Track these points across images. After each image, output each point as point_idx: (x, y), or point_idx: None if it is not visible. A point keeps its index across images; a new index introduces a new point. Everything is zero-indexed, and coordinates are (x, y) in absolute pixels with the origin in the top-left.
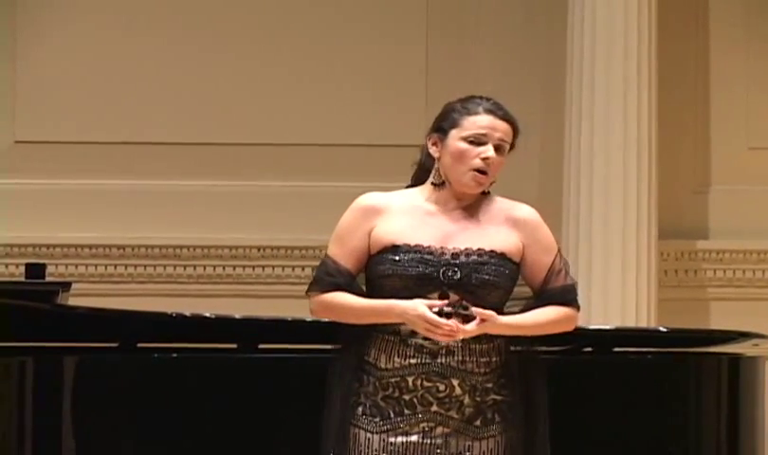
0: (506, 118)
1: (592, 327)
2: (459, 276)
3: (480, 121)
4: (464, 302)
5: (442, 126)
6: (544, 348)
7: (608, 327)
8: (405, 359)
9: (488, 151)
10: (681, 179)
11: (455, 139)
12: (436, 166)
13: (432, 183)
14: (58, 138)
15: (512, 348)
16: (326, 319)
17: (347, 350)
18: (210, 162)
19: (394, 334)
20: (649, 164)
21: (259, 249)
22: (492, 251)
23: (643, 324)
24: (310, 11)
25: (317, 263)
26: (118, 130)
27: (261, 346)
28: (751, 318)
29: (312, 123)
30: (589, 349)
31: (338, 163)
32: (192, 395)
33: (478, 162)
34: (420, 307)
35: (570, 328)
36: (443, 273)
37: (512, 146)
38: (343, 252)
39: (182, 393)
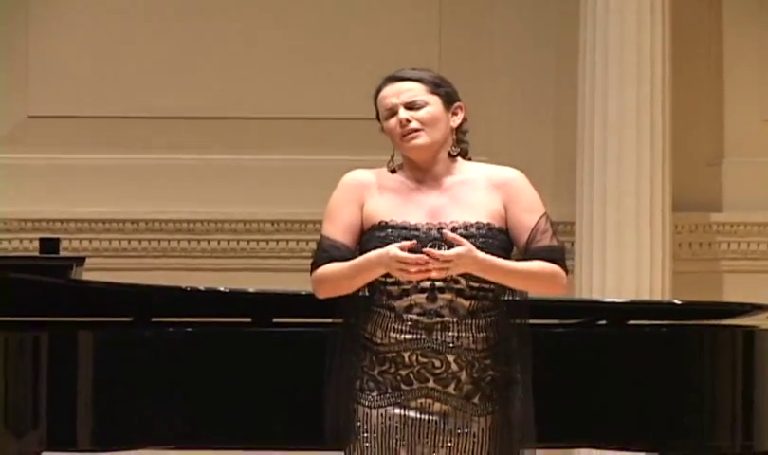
0: (405, 76)
1: (606, 300)
2: (446, 250)
3: (384, 97)
4: (443, 230)
5: (378, 119)
6: (557, 321)
7: (622, 300)
8: (401, 334)
9: (400, 114)
10: (695, 151)
11: (383, 123)
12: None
13: (391, 165)
14: (71, 113)
15: (510, 322)
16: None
17: (344, 324)
18: (223, 136)
19: (390, 309)
20: (662, 136)
21: (273, 223)
22: (479, 223)
23: (657, 297)
24: None
25: None
26: (131, 104)
27: (275, 320)
28: (765, 291)
29: (328, 97)
30: (603, 322)
31: (352, 136)
32: (207, 369)
33: (400, 129)
34: (392, 249)
35: (557, 288)
36: (431, 247)
37: (444, 94)
38: (336, 228)
39: (197, 367)
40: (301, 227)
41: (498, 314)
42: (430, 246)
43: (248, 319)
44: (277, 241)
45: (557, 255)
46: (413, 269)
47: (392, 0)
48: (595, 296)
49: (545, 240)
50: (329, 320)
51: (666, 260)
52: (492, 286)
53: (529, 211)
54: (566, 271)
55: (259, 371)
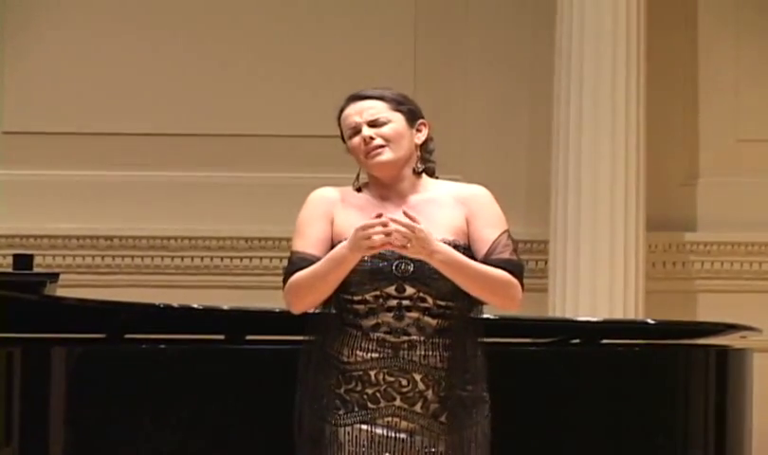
0: (366, 95)
1: (580, 319)
2: (412, 268)
3: (347, 116)
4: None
5: (343, 139)
6: (530, 340)
7: (596, 319)
8: (367, 353)
9: (363, 132)
10: (669, 171)
11: (347, 142)
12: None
13: (358, 188)
14: (45, 129)
15: (478, 340)
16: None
17: (312, 343)
18: (197, 153)
19: (357, 328)
20: (637, 155)
21: (246, 240)
22: (444, 239)
23: (631, 316)
24: (307, 10)
25: None
26: (104, 121)
27: (248, 337)
28: (738, 311)
29: (300, 115)
30: (577, 341)
31: (325, 155)
32: (180, 386)
33: (364, 147)
34: (357, 231)
35: (511, 301)
36: (396, 266)
37: (407, 111)
38: (306, 242)
39: (170, 384)
40: (275, 245)
41: (464, 333)
42: (396, 265)
43: (222, 337)
44: (251, 258)
45: (515, 269)
46: (377, 237)
47: (367, 21)
48: (569, 315)
49: (505, 254)
50: (301, 338)
51: (639, 279)
52: (458, 304)
53: (491, 226)
54: (522, 288)
55: (232, 388)
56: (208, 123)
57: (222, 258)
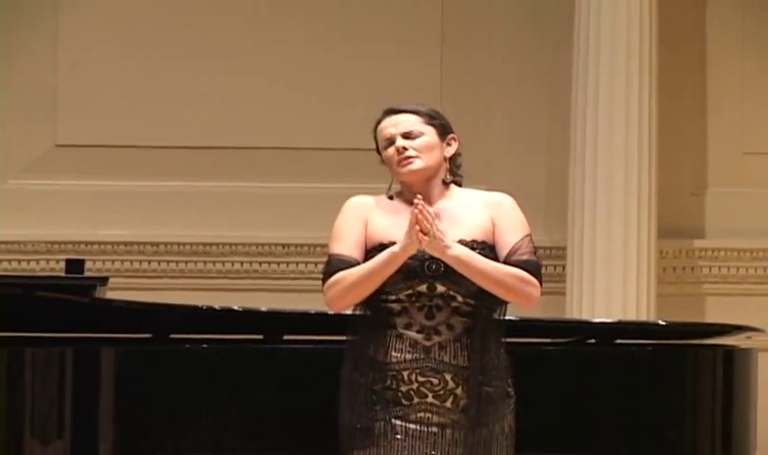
0: (401, 109)
1: (595, 320)
2: (442, 268)
3: (383, 128)
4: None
5: (378, 151)
6: (549, 340)
7: (610, 320)
8: (401, 354)
9: (397, 142)
10: (679, 182)
11: (382, 152)
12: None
13: (390, 196)
14: (96, 142)
15: (502, 340)
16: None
17: (352, 342)
18: (237, 165)
19: (391, 327)
20: (649, 167)
21: (283, 246)
22: (473, 240)
23: (643, 318)
24: (332, 25)
25: None
26: (151, 135)
27: (285, 337)
28: (744, 313)
29: (332, 129)
30: (592, 341)
31: (355, 166)
32: (222, 383)
33: (397, 157)
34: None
35: (528, 298)
36: (427, 266)
37: (439, 125)
38: (344, 245)
39: (212, 381)
40: (310, 251)
41: (489, 333)
42: (428, 265)
43: (260, 337)
44: (287, 263)
45: (533, 269)
46: (416, 220)
47: (396, 37)
48: (585, 316)
49: (525, 255)
50: (336, 338)
51: (651, 283)
52: (483, 303)
53: (514, 231)
54: (540, 287)
55: (269, 384)
56: (249, 137)
57: (260, 263)
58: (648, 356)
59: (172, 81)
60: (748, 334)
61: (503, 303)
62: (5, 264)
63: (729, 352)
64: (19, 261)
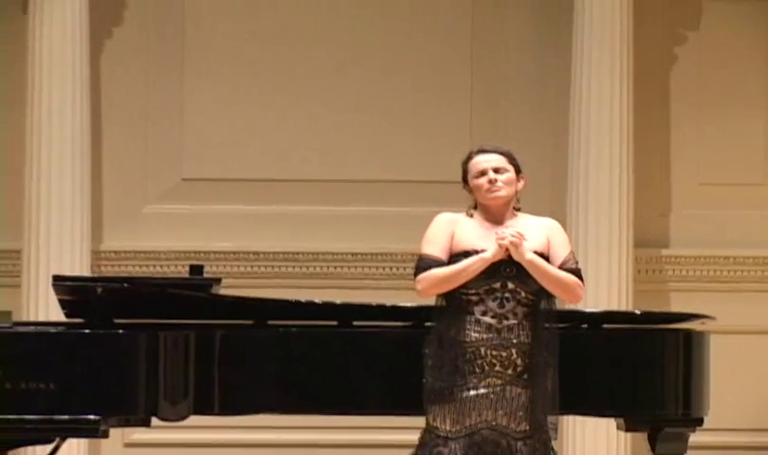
0: (493, 150)
1: (587, 310)
2: (515, 270)
3: (477, 162)
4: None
5: (465, 178)
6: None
7: (598, 310)
8: (479, 334)
9: (489, 174)
10: (650, 206)
11: (471, 180)
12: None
13: (470, 212)
14: (213, 176)
15: (545, 325)
16: (406, 304)
17: (436, 327)
18: (320, 192)
19: (470, 313)
20: (627, 195)
21: (353, 255)
22: (535, 251)
23: (624, 308)
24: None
25: (396, 264)
26: (254, 170)
27: (354, 323)
28: (700, 304)
29: (397, 164)
30: (585, 326)
31: (407, 194)
32: (307, 358)
33: (486, 184)
34: (492, 249)
35: (575, 294)
36: (503, 268)
37: (516, 165)
38: (435, 249)
39: (300, 356)
40: (372, 258)
41: (542, 318)
42: (504, 268)
43: (335, 322)
44: (355, 267)
45: (578, 274)
46: (503, 235)
47: (428, 82)
48: (580, 307)
49: (572, 265)
50: (395, 324)
51: (629, 282)
52: (539, 298)
53: (563, 247)
54: (582, 282)
55: (343, 360)
56: (333, 171)
57: (335, 267)
58: (628, 338)
59: (274, 125)
60: (703, 320)
61: (553, 298)
62: (144, 269)
63: (688, 334)
64: (154, 265)
